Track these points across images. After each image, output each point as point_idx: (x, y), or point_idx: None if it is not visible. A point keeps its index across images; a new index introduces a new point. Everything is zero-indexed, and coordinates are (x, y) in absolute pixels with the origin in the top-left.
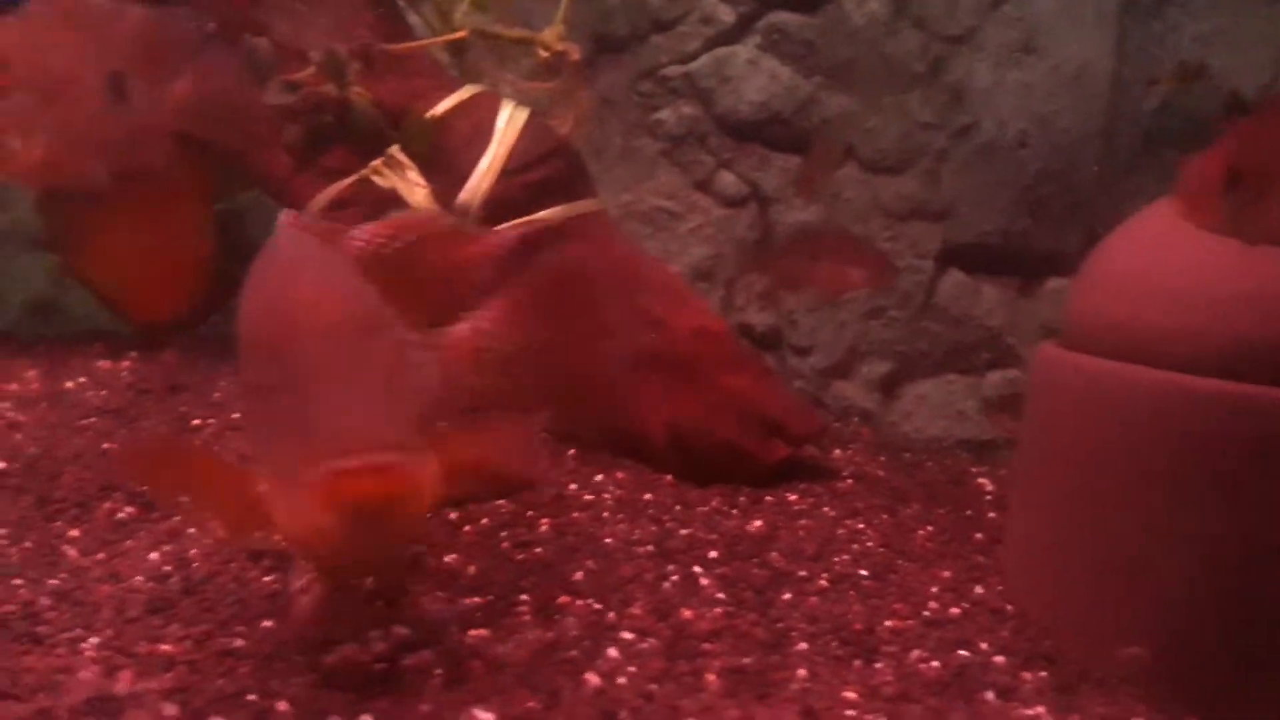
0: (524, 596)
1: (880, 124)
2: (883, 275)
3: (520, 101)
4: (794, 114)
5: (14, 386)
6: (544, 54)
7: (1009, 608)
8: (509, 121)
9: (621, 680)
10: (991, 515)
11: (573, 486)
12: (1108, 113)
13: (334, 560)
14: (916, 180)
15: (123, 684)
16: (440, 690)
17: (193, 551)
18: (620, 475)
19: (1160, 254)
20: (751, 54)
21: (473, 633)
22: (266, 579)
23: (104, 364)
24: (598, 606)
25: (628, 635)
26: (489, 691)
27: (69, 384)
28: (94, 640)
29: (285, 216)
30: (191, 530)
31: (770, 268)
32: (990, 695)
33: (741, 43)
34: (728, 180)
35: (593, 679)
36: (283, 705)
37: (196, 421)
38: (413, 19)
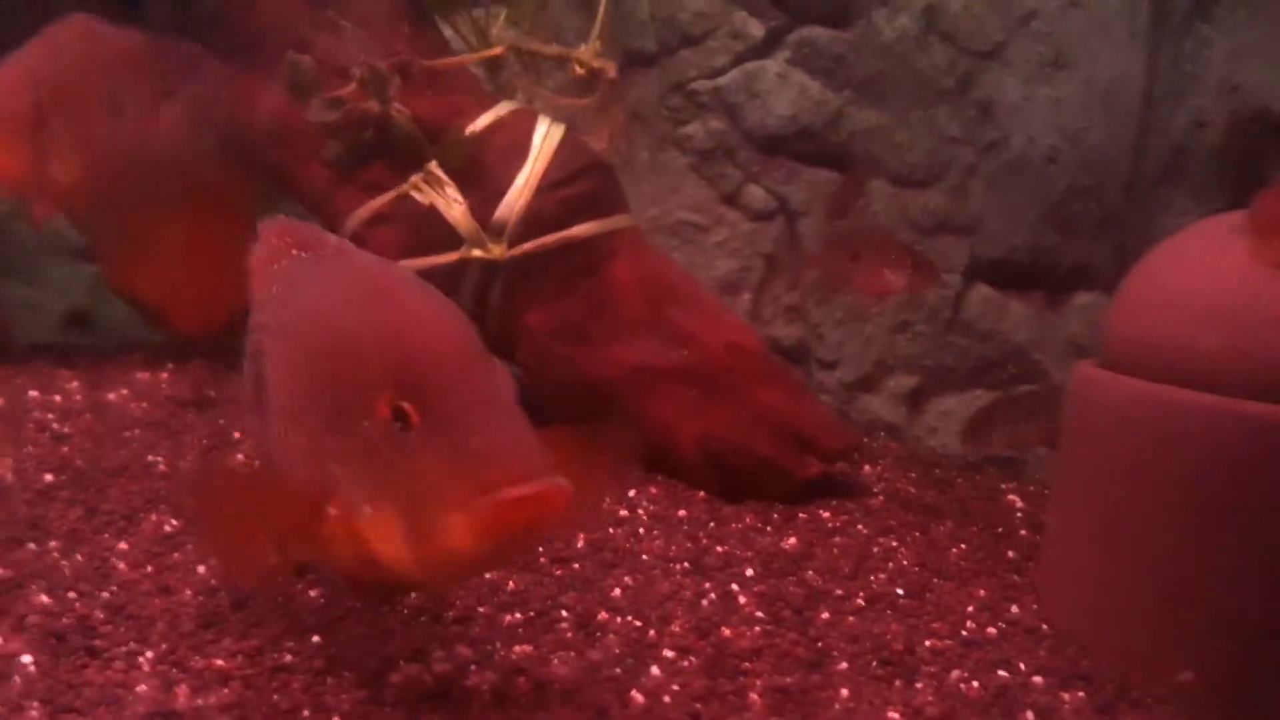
0: (564, 613)
1: (909, 139)
2: (924, 278)
3: (556, 118)
4: (823, 128)
5: (57, 398)
6: (580, 70)
7: (1045, 627)
8: (545, 137)
9: (666, 699)
10: (1023, 533)
11: (606, 501)
12: (1138, 128)
13: (427, 584)
14: (944, 195)
15: (181, 699)
16: (490, 707)
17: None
18: (654, 490)
19: (1207, 274)
20: (781, 68)
21: (517, 649)
22: (312, 593)
23: (143, 375)
24: (638, 624)
25: (669, 653)
26: (537, 709)
27: (110, 395)
28: (149, 654)
29: (267, 225)
30: None
31: (814, 265)
32: (1030, 716)
33: (771, 57)
34: (755, 194)
35: (638, 697)
36: None
37: (237, 435)
38: (449, 34)
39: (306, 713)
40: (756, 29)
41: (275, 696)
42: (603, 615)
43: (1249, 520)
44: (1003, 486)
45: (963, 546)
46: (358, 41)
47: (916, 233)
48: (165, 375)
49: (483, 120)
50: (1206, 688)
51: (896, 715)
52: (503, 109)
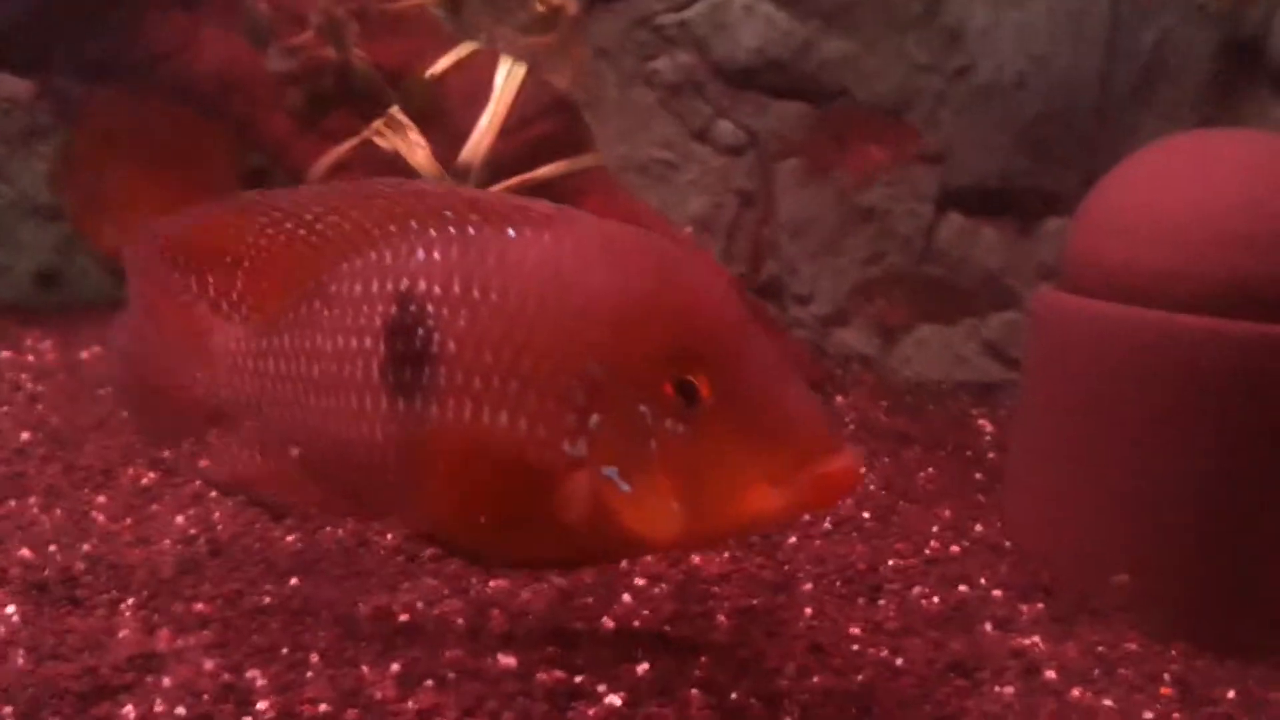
0: None
1: (878, 67)
2: (905, 144)
3: (518, 57)
4: (792, 59)
5: (30, 358)
6: (540, 8)
7: (1008, 544)
8: (507, 78)
9: (636, 623)
10: (991, 455)
11: None
12: (1106, 51)
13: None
14: (915, 123)
15: (163, 641)
16: (464, 638)
17: (216, 514)
18: None
19: (1157, 194)
20: (747, 0)
21: (491, 584)
22: (289, 538)
23: None
24: None
25: (640, 581)
26: (509, 638)
27: (84, 354)
28: (130, 601)
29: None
30: (213, 493)
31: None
32: (988, 627)
33: None
34: (726, 129)
35: (609, 623)
36: (314, 657)
37: None
38: None
39: (285, 650)
40: None
41: (255, 636)
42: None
43: (1193, 431)
44: (973, 412)
45: (930, 470)
46: None
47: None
48: None
49: (443, 63)
50: (1153, 593)
51: (857, 630)
52: (463, 50)
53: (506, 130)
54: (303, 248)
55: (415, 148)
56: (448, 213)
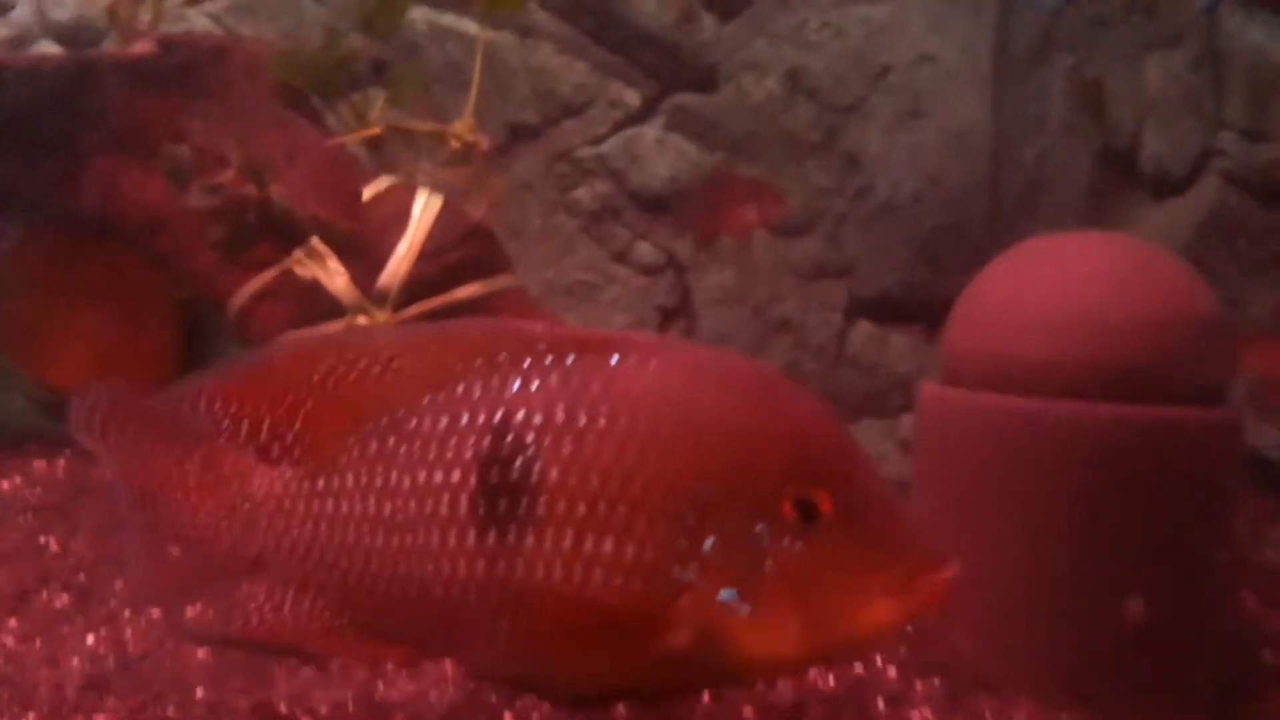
0: None
1: (783, 191)
2: (776, 206)
3: (435, 189)
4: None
5: None
6: (456, 145)
7: (909, 628)
8: (425, 208)
9: (535, 715)
10: None
11: None
12: (992, 168)
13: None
14: (820, 241)
15: None
16: None
17: (128, 633)
18: None
19: (1022, 290)
20: (658, 133)
21: (399, 688)
22: (200, 654)
23: (39, 464)
24: None
25: None
26: None
27: (4, 484)
28: (31, 715)
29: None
30: (127, 613)
31: (686, 226)
32: (880, 704)
33: (648, 123)
34: (644, 250)
35: (508, 716)
36: None
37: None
38: (332, 120)
39: None
40: (633, 98)
41: None
42: None
43: (1066, 511)
44: None
45: None
46: (235, 130)
47: (798, 278)
48: (62, 463)
49: (363, 195)
50: (1049, 667)
51: (751, 712)
52: (381, 184)
53: (424, 256)
54: (375, 385)
55: (334, 275)
56: (540, 345)
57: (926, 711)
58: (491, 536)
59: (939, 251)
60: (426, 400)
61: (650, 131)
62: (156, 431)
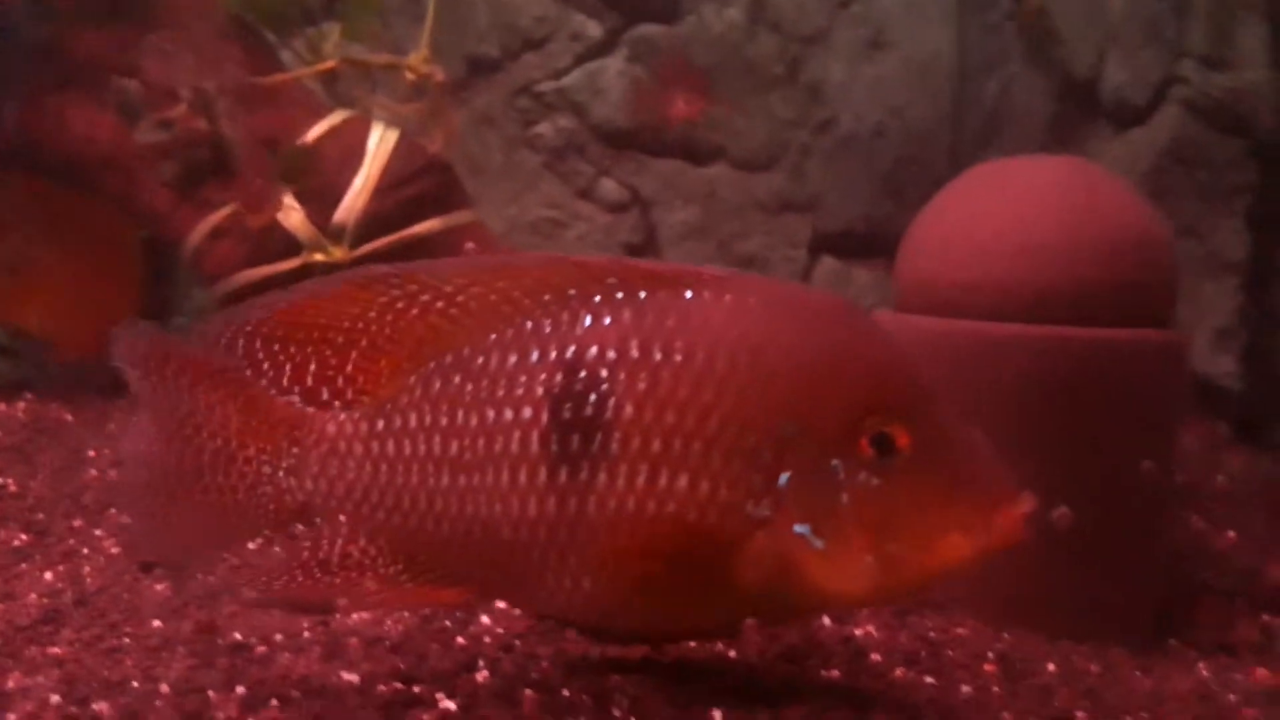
0: None
1: (747, 125)
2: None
3: (391, 123)
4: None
5: None
6: (411, 77)
7: None
8: (380, 142)
9: (488, 639)
10: None
11: None
12: (954, 99)
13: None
14: (784, 175)
15: (12, 682)
16: (316, 662)
17: (86, 569)
18: None
19: (965, 217)
20: (621, 65)
21: (355, 617)
22: (159, 586)
23: None
24: None
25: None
26: (360, 659)
27: None
28: None
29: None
30: (85, 550)
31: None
32: (827, 621)
33: (610, 55)
34: (609, 187)
35: (461, 640)
36: (164, 688)
37: (91, 453)
38: (287, 54)
39: (135, 683)
40: (595, 29)
41: (106, 672)
42: None
43: (1010, 431)
44: None
45: None
46: (187, 64)
47: (764, 213)
48: (22, 405)
49: (317, 130)
50: (992, 586)
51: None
52: (336, 118)
53: (380, 191)
54: (439, 321)
55: (290, 211)
56: (611, 280)
57: (871, 629)
58: (563, 473)
59: (902, 184)
60: (494, 337)
61: (613, 64)
62: (198, 373)
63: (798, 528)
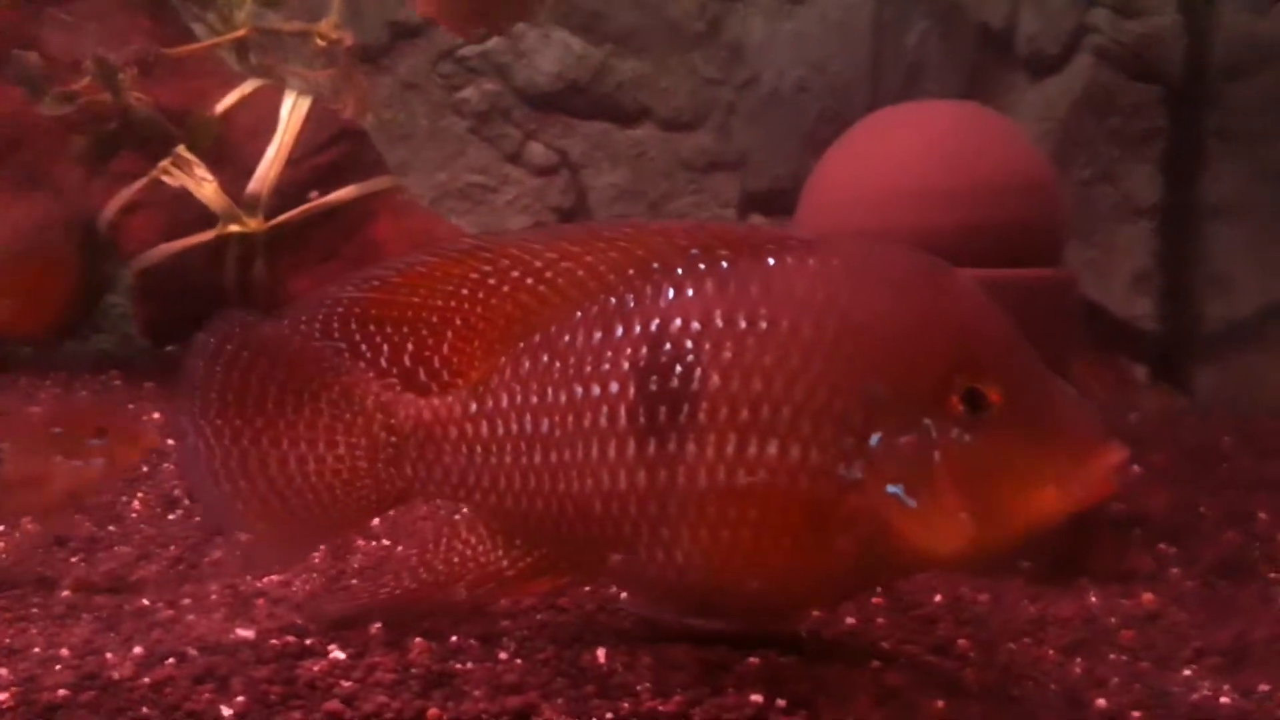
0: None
1: (671, 84)
2: None
3: (304, 91)
4: (590, 82)
5: None
6: (321, 43)
7: None
8: (292, 110)
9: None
10: None
11: None
12: (873, 53)
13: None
14: (711, 134)
15: None
16: (217, 623)
17: (1, 545)
18: None
19: (856, 163)
20: (543, 27)
21: (266, 580)
22: (74, 559)
23: None
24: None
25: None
26: (260, 617)
27: None
28: None
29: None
30: (1, 526)
31: None
32: None
33: None
34: (537, 150)
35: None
36: (65, 651)
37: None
38: (200, 25)
39: (37, 649)
40: None
41: (9, 640)
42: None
43: None
44: None
45: None
46: (91, 35)
47: (692, 172)
48: None
49: (228, 100)
50: None
51: None
52: (247, 87)
53: (294, 160)
54: (529, 299)
55: (203, 183)
56: (694, 250)
57: None
58: (652, 446)
59: (826, 140)
60: (579, 315)
61: (536, 27)
62: (292, 366)
63: (890, 488)
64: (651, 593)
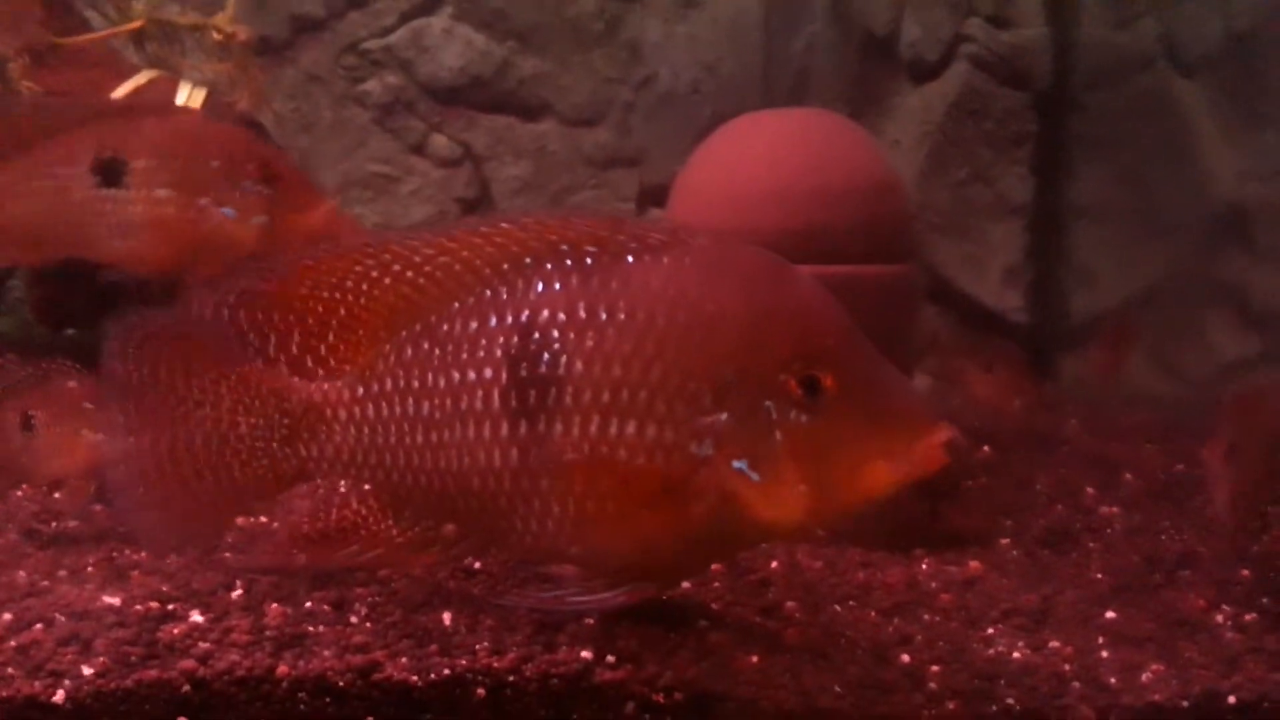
0: None
1: (572, 81)
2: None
3: (200, 83)
4: (493, 77)
5: None
6: (217, 36)
7: None
8: (187, 102)
9: None
10: None
11: None
12: (764, 56)
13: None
14: (610, 131)
15: None
16: (89, 592)
17: None
18: None
19: (721, 166)
20: (446, 23)
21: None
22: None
23: None
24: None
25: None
26: (130, 586)
27: None
28: None
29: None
30: None
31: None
32: None
33: (436, 14)
34: (440, 143)
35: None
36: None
37: None
38: (97, 16)
39: None
40: None
41: None
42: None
43: None
44: None
45: None
46: None
47: (593, 168)
48: None
49: (122, 90)
50: None
51: None
52: (141, 78)
53: None
54: (410, 291)
55: None
56: (564, 246)
57: None
58: (523, 426)
59: None
60: (456, 305)
61: (438, 22)
62: (192, 357)
63: (736, 464)
64: (529, 557)
